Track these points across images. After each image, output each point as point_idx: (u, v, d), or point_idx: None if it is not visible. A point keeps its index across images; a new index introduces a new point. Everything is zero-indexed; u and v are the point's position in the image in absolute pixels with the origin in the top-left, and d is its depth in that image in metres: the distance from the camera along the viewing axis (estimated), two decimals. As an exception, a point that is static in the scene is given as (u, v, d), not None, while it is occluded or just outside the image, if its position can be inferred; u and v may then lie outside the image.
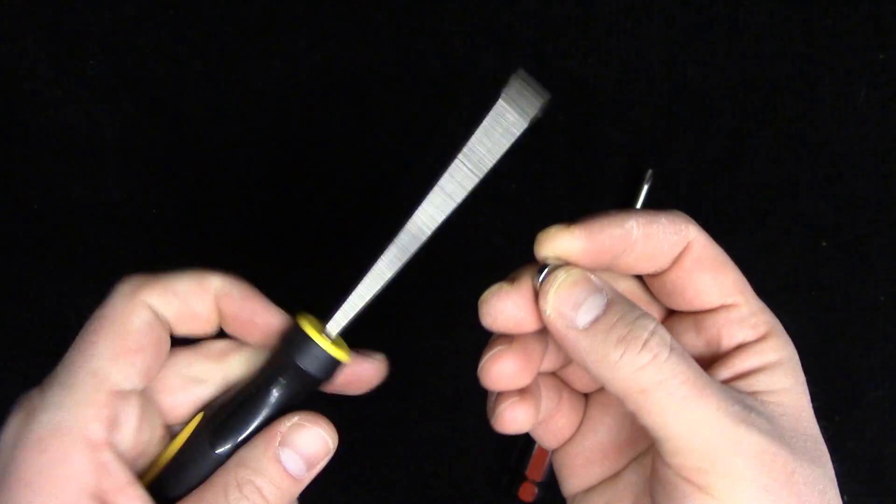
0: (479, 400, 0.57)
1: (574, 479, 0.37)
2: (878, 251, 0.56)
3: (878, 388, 0.56)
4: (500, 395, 0.35)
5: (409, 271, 0.57)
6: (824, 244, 0.56)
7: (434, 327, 0.56)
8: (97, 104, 0.57)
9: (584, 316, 0.30)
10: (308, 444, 0.34)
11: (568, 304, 0.31)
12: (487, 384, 0.34)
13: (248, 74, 0.57)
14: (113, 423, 0.32)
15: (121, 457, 0.32)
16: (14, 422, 0.32)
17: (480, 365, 0.35)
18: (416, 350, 0.56)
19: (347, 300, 0.38)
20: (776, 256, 0.56)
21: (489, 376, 0.34)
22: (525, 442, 0.55)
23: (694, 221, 0.33)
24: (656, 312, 0.35)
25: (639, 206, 0.55)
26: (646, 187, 0.55)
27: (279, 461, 0.33)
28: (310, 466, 0.34)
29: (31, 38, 0.57)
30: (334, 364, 0.35)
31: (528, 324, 0.33)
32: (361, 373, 0.38)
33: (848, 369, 0.56)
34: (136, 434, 0.33)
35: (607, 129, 0.56)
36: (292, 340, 0.35)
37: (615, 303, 0.30)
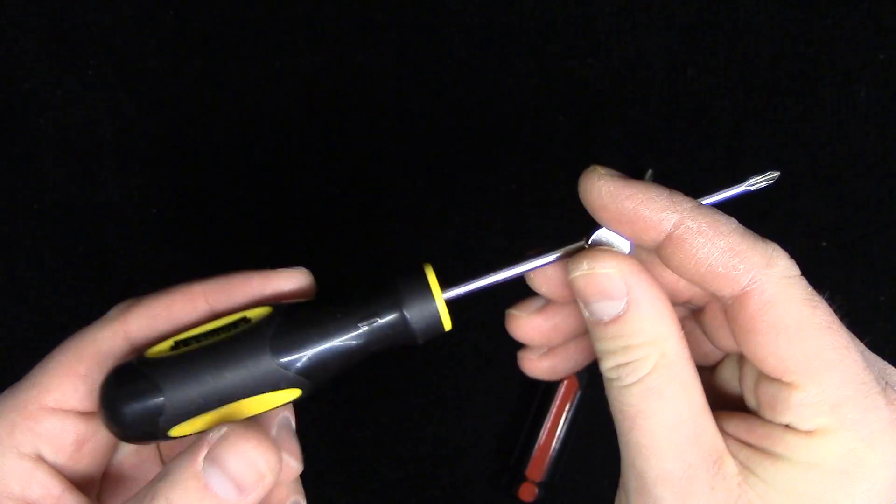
0: (480, 400, 0.58)
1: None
2: (878, 251, 0.56)
3: (878, 388, 0.56)
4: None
5: (408, 271, 0.57)
6: (824, 244, 0.56)
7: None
8: (97, 104, 0.57)
9: (598, 311, 0.29)
10: (236, 465, 0.28)
11: (588, 290, 0.29)
12: (513, 335, 0.33)
13: (248, 74, 0.57)
14: (46, 437, 0.31)
15: (55, 468, 0.31)
16: None
17: (507, 319, 0.34)
18: (416, 350, 0.56)
19: (481, 278, 0.33)
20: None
21: (513, 331, 0.33)
22: (525, 442, 0.55)
23: (783, 266, 0.27)
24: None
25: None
26: (646, 187, 0.55)
27: (201, 478, 0.28)
28: (242, 492, 0.28)
29: (31, 38, 0.57)
30: (437, 329, 0.32)
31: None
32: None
33: (848, 369, 0.56)
34: (80, 450, 0.32)
35: (607, 129, 0.56)
36: (408, 283, 0.32)
37: (625, 319, 0.28)
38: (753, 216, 0.56)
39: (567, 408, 0.54)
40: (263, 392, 0.31)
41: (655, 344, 0.28)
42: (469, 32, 0.56)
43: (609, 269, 0.29)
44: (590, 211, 0.31)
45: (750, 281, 0.27)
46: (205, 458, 0.28)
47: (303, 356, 0.31)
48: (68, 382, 0.32)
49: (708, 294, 0.30)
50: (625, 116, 0.56)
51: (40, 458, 0.31)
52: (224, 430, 0.29)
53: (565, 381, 0.54)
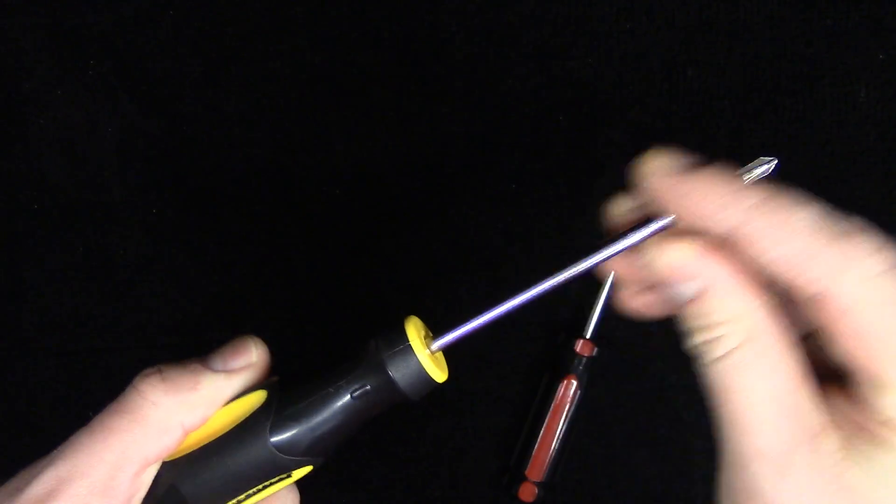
0: (480, 400, 0.58)
1: None
2: (878, 251, 0.56)
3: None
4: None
5: (408, 272, 0.58)
6: (824, 244, 0.56)
7: (434, 327, 0.56)
8: (97, 104, 0.57)
9: (681, 289, 0.29)
10: (228, 346, 0.34)
11: (665, 277, 0.29)
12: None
13: (248, 74, 0.57)
14: None
15: None
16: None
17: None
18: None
19: (469, 323, 0.32)
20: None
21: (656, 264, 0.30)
22: (525, 442, 0.55)
23: (861, 266, 0.26)
24: None
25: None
26: (646, 187, 0.55)
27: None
28: (226, 363, 0.34)
29: (31, 38, 0.57)
30: (429, 384, 0.32)
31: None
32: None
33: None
34: None
35: (607, 129, 0.56)
36: (390, 344, 0.32)
37: (706, 298, 0.28)
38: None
39: (567, 408, 0.54)
40: (275, 477, 0.32)
41: (739, 320, 0.28)
42: (469, 32, 0.56)
43: (676, 253, 0.29)
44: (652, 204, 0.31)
45: (824, 288, 0.26)
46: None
47: (303, 441, 0.31)
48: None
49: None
50: (625, 116, 0.56)
51: None
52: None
53: (565, 381, 0.54)
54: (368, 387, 0.31)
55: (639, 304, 0.34)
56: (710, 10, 0.56)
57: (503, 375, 0.57)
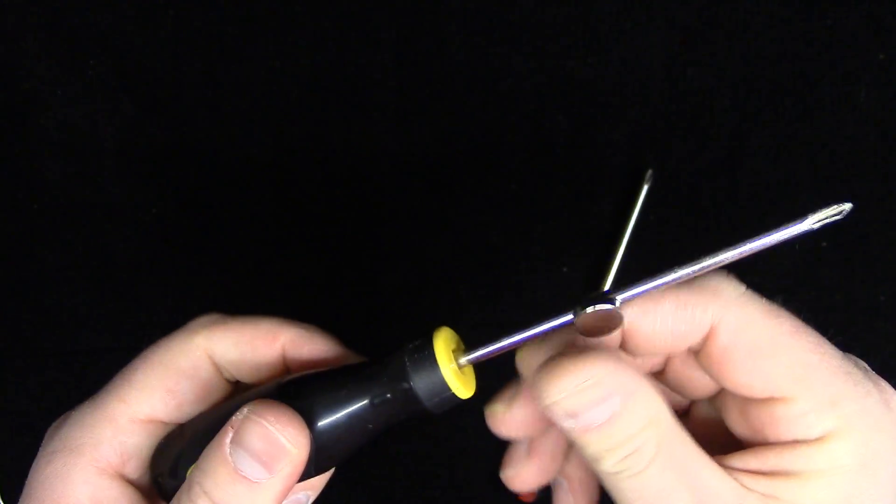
0: (479, 400, 0.57)
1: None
2: (878, 251, 0.56)
3: (878, 388, 0.56)
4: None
5: (408, 272, 0.58)
6: (824, 244, 0.56)
7: (433, 327, 0.56)
8: (97, 104, 0.57)
9: (589, 419, 0.27)
10: (259, 444, 0.28)
11: (582, 407, 0.27)
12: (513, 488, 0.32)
13: (248, 74, 0.57)
14: (128, 450, 0.31)
15: (130, 482, 0.31)
16: (47, 433, 0.32)
17: (502, 474, 0.33)
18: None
19: (502, 340, 0.31)
20: (776, 256, 0.56)
21: (496, 428, 0.32)
22: (525, 442, 0.55)
23: (731, 293, 0.27)
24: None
25: (639, 206, 0.55)
26: (646, 187, 0.55)
27: (229, 462, 0.28)
28: (270, 469, 0.28)
29: (31, 38, 0.57)
30: (451, 400, 0.30)
31: (541, 426, 0.30)
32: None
33: (848, 369, 0.56)
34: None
35: (607, 129, 0.56)
36: (415, 354, 0.30)
37: (620, 416, 0.27)
38: (753, 217, 0.57)
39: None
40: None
41: (654, 424, 0.27)
42: (469, 32, 0.56)
43: (597, 375, 0.27)
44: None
45: (711, 319, 0.27)
46: (230, 441, 0.28)
47: (317, 445, 0.30)
48: (157, 396, 0.32)
49: (667, 354, 0.30)
50: (625, 116, 0.56)
51: (118, 475, 0.31)
52: (245, 410, 0.28)
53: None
54: (388, 396, 0.30)
55: (530, 474, 0.33)
56: (710, 10, 0.56)
57: (503, 375, 0.57)
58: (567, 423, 0.27)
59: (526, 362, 0.31)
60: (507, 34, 0.56)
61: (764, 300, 0.27)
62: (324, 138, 0.57)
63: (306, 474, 0.30)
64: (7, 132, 0.57)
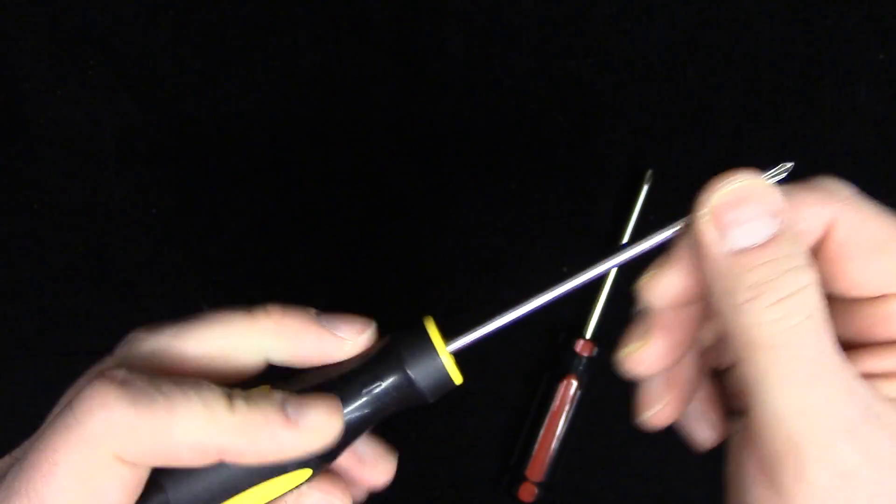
0: (479, 400, 0.58)
1: (732, 400, 0.33)
2: (878, 251, 0.56)
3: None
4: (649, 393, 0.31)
5: (408, 272, 0.58)
6: (824, 244, 0.56)
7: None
8: (97, 104, 0.57)
9: (740, 238, 0.25)
10: None
11: (730, 213, 0.26)
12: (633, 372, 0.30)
13: (248, 74, 0.57)
14: None
15: None
16: None
17: (641, 418, 0.31)
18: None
19: (487, 325, 0.31)
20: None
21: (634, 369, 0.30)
22: (525, 442, 0.55)
23: (844, 192, 0.28)
24: None
25: (639, 206, 0.54)
26: (646, 187, 0.55)
27: None
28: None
29: (31, 38, 0.57)
30: (447, 386, 0.31)
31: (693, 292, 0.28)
32: (369, 474, 0.33)
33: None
34: None
35: (607, 129, 0.56)
36: (411, 342, 0.30)
37: (781, 240, 0.25)
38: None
39: (567, 408, 0.54)
40: (271, 478, 0.29)
41: (813, 268, 0.25)
42: (469, 32, 0.56)
43: (759, 180, 0.26)
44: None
45: (830, 215, 0.27)
46: None
47: None
48: None
49: None
50: (625, 116, 0.56)
51: None
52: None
53: (565, 381, 0.54)
54: (382, 384, 0.30)
55: (667, 414, 0.31)
56: (710, 9, 0.56)
57: (503, 375, 0.57)
58: (722, 244, 0.25)
59: (656, 283, 0.29)
60: (507, 34, 0.56)
61: (873, 202, 0.28)
62: (323, 138, 0.57)
63: (298, 465, 0.30)
64: (7, 132, 0.57)
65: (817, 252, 0.28)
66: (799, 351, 0.24)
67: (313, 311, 0.30)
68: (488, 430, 0.57)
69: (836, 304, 0.28)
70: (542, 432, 0.54)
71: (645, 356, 0.30)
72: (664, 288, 0.29)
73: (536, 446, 0.54)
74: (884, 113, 0.55)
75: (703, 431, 0.32)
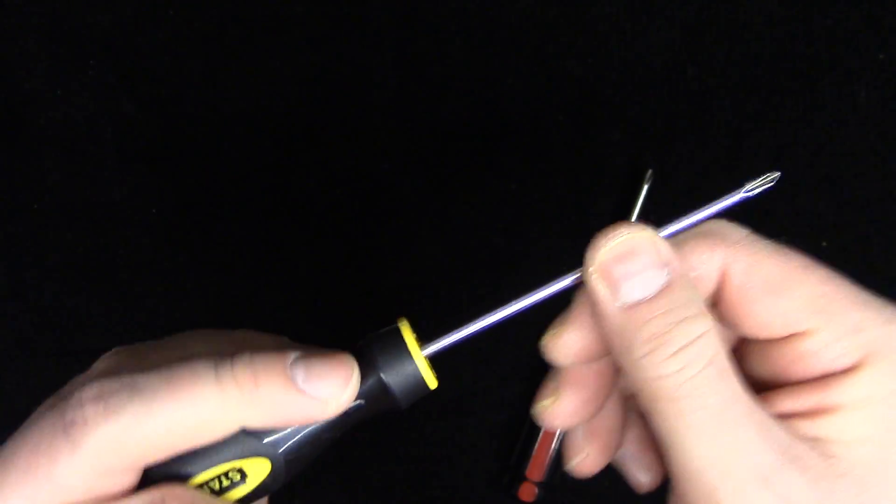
0: (480, 400, 0.58)
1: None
2: (878, 251, 0.56)
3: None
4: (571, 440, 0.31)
5: (408, 271, 0.58)
6: (824, 244, 0.56)
7: (434, 327, 0.56)
8: (97, 104, 0.57)
9: (631, 292, 0.25)
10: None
11: (618, 267, 0.25)
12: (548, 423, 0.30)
13: (248, 74, 0.57)
14: None
15: None
16: None
17: (567, 466, 0.31)
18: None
19: (464, 328, 0.30)
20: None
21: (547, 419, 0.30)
22: (525, 442, 0.55)
23: (735, 235, 0.27)
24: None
25: (639, 206, 0.55)
26: (646, 187, 0.55)
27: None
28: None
29: (31, 38, 0.57)
30: (422, 391, 0.30)
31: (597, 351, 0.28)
32: None
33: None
34: None
35: (607, 129, 0.56)
36: (385, 347, 0.29)
37: (673, 290, 0.25)
38: (753, 216, 0.57)
39: (567, 408, 0.54)
40: (228, 461, 0.28)
41: (708, 316, 0.25)
42: (469, 32, 0.56)
43: (646, 232, 0.26)
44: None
45: (721, 262, 0.27)
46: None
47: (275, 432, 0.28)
48: None
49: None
50: (625, 116, 0.56)
51: None
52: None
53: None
54: (360, 393, 0.29)
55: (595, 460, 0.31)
56: (710, 9, 0.56)
57: (503, 375, 0.57)
58: (613, 300, 0.25)
59: (559, 338, 0.29)
60: (507, 34, 0.56)
61: (767, 241, 0.27)
62: (323, 138, 0.57)
63: (277, 482, 0.29)
64: (7, 132, 0.57)
65: (718, 298, 0.27)
66: (703, 400, 0.24)
67: (289, 360, 0.28)
68: (488, 430, 0.57)
69: (751, 345, 0.28)
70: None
71: (558, 412, 0.30)
72: (566, 346, 0.28)
73: (536, 446, 0.54)
74: (884, 113, 0.55)
75: (639, 474, 0.33)
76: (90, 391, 0.27)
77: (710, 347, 0.24)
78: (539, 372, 0.56)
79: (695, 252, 0.27)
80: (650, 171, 0.55)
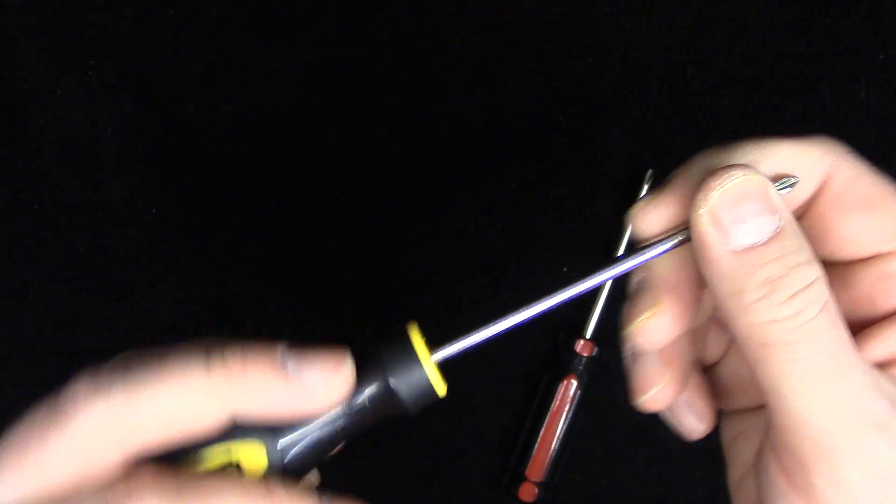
0: (479, 400, 0.58)
1: (719, 397, 0.32)
2: (878, 251, 0.56)
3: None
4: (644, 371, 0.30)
5: (408, 272, 0.58)
6: (824, 244, 0.56)
7: (433, 327, 0.56)
8: (97, 104, 0.57)
9: (743, 236, 0.24)
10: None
11: (730, 212, 0.24)
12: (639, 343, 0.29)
13: (248, 74, 0.57)
14: None
15: None
16: None
17: (639, 399, 0.30)
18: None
19: (475, 333, 0.29)
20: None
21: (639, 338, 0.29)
22: (525, 442, 0.55)
23: (840, 149, 0.27)
24: None
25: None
26: (646, 187, 0.55)
27: None
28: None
29: (31, 38, 0.57)
30: (430, 399, 0.29)
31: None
32: None
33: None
34: None
35: (607, 129, 0.56)
36: (394, 353, 0.28)
37: (785, 235, 0.24)
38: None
39: (567, 408, 0.54)
40: (217, 441, 0.28)
41: (818, 263, 0.24)
42: (469, 32, 0.56)
43: (758, 176, 0.25)
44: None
45: (827, 168, 0.26)
46: None
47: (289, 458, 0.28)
48: None
49: None
50: (625, 116, 0.56)
51: None
52: None
53: (565, 381, 0.54)
54: (363, 394, 0.28)
55: (666, 395, 0.30)
56: (710, 9, 0.56)
57: (503, 375, 0.57)
58: (723, 243, 0.24)
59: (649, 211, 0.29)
60: (507, 34, 0.56)
61: (864, 162, 0.27)
62: (324, 138, 0.57)
63: (247, 434, 0.28)
64: (7, 132, 0.57)
65: (805, 210, 0.27)
66: (818, 346, 0.23)
67: (279, 350, 0.27)
68: (488, 430, 0.57)
69: (831, 275, 0.27)
70: (542, 432, 0.54)
71: (658, 324, 0.29)
72: (657, 217, 0.28)
73: (536, 446, 0.54)
74: (884, 113, 0.55)
75: (692, 421, 0.32)
76: (84, 377, 0.27)
77: (824, 293, 0.24)
78: (539, 372, 0.56)
79: (804, 155, 0.26)
80: (650, 171, 0.55)
